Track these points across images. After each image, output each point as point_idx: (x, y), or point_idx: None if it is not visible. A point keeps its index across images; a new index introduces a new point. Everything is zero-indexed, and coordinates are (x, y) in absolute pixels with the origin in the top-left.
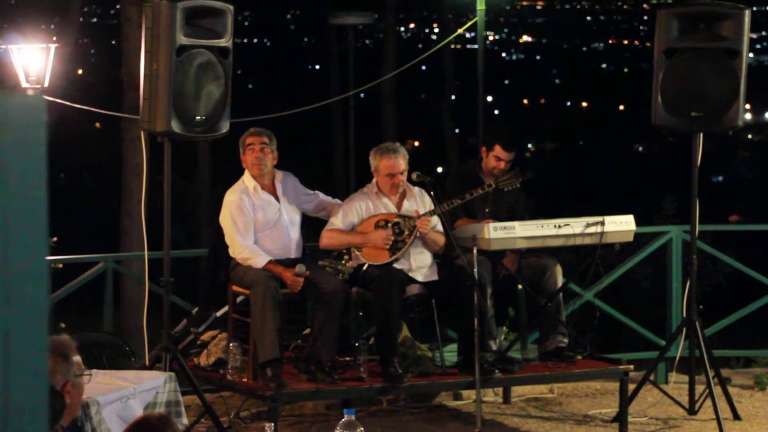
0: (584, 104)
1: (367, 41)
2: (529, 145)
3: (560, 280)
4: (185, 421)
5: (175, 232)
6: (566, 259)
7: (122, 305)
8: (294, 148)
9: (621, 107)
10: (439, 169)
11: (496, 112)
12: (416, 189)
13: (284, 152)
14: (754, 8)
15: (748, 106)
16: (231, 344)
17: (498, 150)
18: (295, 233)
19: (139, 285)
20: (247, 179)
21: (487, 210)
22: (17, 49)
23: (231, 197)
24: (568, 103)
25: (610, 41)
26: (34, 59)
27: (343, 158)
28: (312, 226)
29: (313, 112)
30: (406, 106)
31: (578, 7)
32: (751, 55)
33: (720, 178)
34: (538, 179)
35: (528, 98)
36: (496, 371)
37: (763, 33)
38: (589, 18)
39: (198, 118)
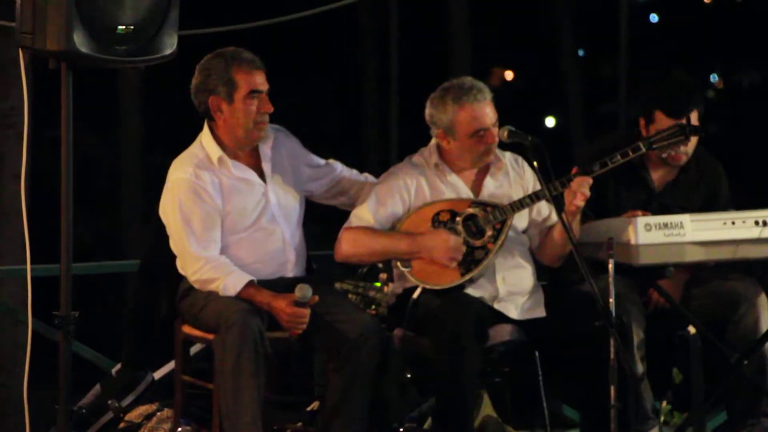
0: None
1: None
2: (712, 77)
3: (766, 320)
4: None
5: (82, 230)
6: None
7: None
8: (292, 84)
9: None
10: (550, 122)
11: (654, 18)
12: (507, 156)
13: (273, 92)
14: None
15: None
16: (179, 429)
17: (660, 119)
18: (292, 234)
19: (16, 324)
20: (207, 144)
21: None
22: None
23: (179, 174)
24: None
25: None
26: None
27: (379, 101)
28: (323, 221)
29: (326, 17)
30: (489, 8)
31: None
32: None
33: None
34: (726, 136)
35: None
36: None
37: None
38: None
39: (121, 28)
